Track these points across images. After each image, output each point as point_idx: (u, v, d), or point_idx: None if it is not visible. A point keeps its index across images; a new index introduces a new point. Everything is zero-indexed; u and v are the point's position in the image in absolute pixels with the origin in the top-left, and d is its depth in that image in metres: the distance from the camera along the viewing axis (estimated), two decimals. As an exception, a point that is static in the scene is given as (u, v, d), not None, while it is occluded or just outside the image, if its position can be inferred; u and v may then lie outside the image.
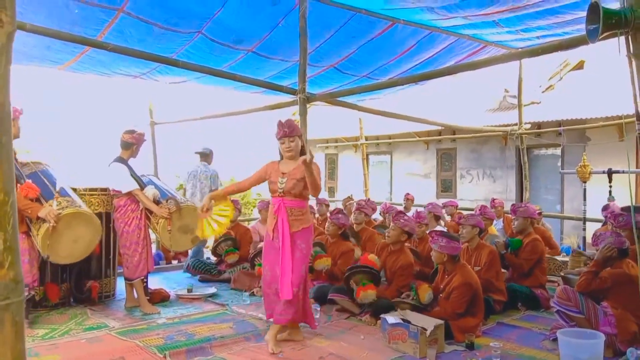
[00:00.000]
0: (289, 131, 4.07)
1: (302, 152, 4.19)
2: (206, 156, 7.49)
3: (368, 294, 4.82)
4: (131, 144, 5.15)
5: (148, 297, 5.29)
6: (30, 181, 4.43)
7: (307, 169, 3.77)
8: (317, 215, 7.85)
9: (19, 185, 4.24)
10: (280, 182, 4.08)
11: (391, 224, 5.36)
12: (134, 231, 5.07)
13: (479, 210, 6.65)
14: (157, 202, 5.13)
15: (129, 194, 5.05)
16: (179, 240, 5.19)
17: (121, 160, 5.12)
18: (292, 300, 4.00)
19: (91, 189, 5.31)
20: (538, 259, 5.45)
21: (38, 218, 4.24)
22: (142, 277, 5.17)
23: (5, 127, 1.06)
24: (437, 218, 6.87)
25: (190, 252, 7.66)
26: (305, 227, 4.11)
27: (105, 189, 5.32)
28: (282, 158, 4.23)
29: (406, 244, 5.83)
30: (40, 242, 4.23)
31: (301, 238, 4.09)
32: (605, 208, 6.11)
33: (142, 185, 5.20)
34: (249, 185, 4.49)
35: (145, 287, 5.33)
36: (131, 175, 5.10)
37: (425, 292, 4.58)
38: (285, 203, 4.06)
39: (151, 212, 5.11)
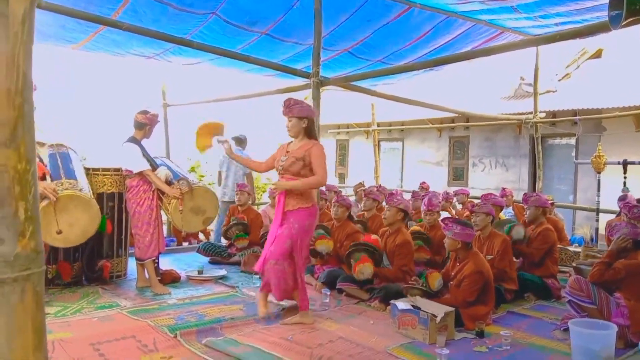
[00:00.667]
0: (285, 111, 4.15)
1: (309, 133, 4.22)
2: (241, 142, 7.84)
3: (364, 267, 4.82)
4: (144, 125, 5.16)
5: (159, 278, 5.33)
6: (37, 160, 4.44)
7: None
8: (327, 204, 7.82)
9: None
10: (281, 160, 4.14)
11: (386, 205, 5.35)
12: (145, 211, 5.10)
13: (483, 197, 6.58)
14: (169, 183, 5.14)
15: (141, 175, 5.07)
16: (190, 221, 5.21)
17: (134, 140, 5.13)
18: (270, 271, 4.10)
19: (104, 169, 5.34)
20: (549, 248, 5.42)
21: None
22: (154, 258, 5.20)
23: (28, 96, 1.05)
24: None
25: (212, 237, 7.79)
26: (302, 207, 4.10)
27: (118, 169, 5.34)
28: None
29: (416, 229, 5.83)
30: None
31: (295, 217, 4.10)
32: (622, 199, 6.04)
33: (155, 166, 5.21)
34: (265, 167, 4.54)
35: (157, 268, 5.36)
36: (143, 155, 5.11)
37: (435, 279, 4.57)
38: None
39: (163, 193, 5.13)
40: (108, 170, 5.35)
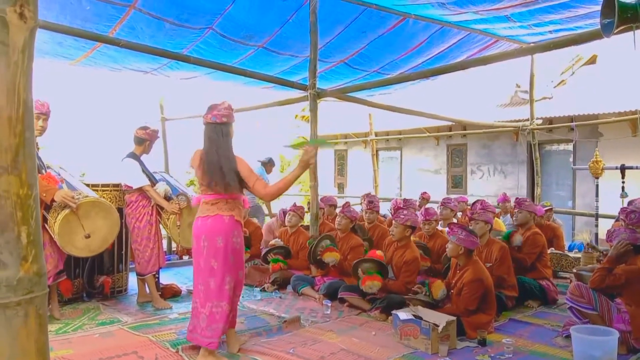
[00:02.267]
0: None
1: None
2: (265, 164, 8.56)
3: (374, 283, 4.82)
4: (144, 140, 5.18)
5: (160, 292, 5.33)
6: (51, 172, 4.44)
7: None
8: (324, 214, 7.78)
9: (39, 175, 4.22)
10: None
11: (393, 221, 5.34)
12: (145, 227, 5.10)
13: (480, 204, 6.59)
14: (168, 199, 5.15)
15: (140, 190, 5.08)
16: (188, 236, 5.13)
17: (133, 156, 5.15)
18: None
19: (104, 185, 5.32)
20: (540, 252, 5.47)
21: (52, 202, 4.17)
22: (154, 273, 5.20)
23: (29, 123, 1.07)
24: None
25: None
26: None
27: (117, 185, 5.35)
28: None
29: (415, 239, 5.83)
30: (57, 230, 4.15)
31: None
32: (629, 203, 6.00)
33: (154, 181, 5.22)
34: None
35: (157, 283, 5.37)
36: (143, 171, 5.13)
37: (439, 289, 4.57)
38: None
39: (162, 208, 5.14)
40: (107, 185, 5.34)
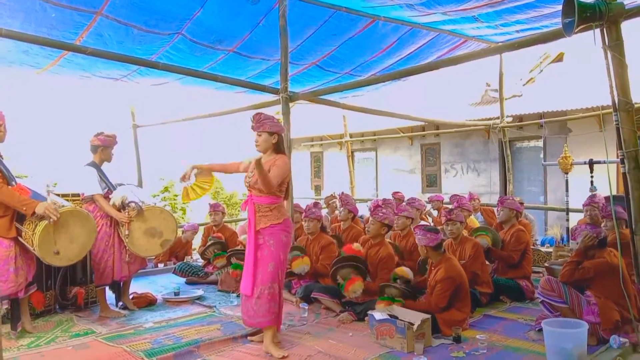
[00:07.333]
0: (256, 126, 4.04)
1: (277, 149, 4.09)
2: None
3: (356, 285, 4.83)
4: (97, 147, 5.03)
5: (133, 300, 5.34)
6: (21, 183, 4.33)
7: (257, 167, 3.71)
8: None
9: (10, 187, 4.13)
10: (247, 176, 4.09)
11: (370, 218, 5.39)
12: (102, 238, 4.94)
13: (457, 202, 6.67)
14: (125, 207, 4.96)
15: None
16: (143, 245, 5.02)
17: (93, 164, 5.02)
18: (262, 297, 3.90)
19: (63, 195, 5.08)
20: (525, 248, 5.54)
21: (33, 214, 4.07)
22: (107, 284, 5.10)
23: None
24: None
25: None
26: (274, 224, 3.97)
27: (77, 194, 5.21)
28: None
29: (387, 239, 5.87)
30: (37, 241, 4.05)
31: (270, 235, 3.97)
32: (592, 197, 6.14)
33: (111, 190, 5.07)
34: (234, 169, 4.40)
35: (122, 290, 5.34)
36: (101, 179, 5.00)
37: (403, 270, 4.72)
38: (252, 198, 4.02)
39: None
40: (67, 195, 5.15)
